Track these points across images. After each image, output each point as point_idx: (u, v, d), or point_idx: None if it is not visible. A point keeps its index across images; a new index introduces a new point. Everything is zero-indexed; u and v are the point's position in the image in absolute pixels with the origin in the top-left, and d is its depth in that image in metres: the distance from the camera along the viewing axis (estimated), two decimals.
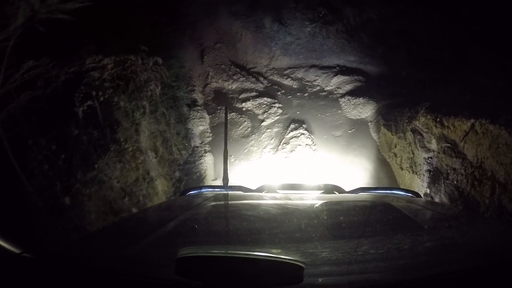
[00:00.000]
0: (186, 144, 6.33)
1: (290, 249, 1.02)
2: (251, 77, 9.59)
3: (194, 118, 7.58)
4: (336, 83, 8.93)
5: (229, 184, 2.80)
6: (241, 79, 9.57)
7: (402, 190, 2.29)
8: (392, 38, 9.55)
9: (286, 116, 8.18)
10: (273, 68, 9.83)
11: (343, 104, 8.21)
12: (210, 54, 11.23)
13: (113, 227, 1.73)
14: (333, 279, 0.88)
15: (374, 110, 7.69)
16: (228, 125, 7.74)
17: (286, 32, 10.02)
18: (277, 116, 8.22)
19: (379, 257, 1.00)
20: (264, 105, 8.56)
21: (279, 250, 0.86)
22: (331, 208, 1.50)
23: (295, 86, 9.39)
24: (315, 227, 1.24)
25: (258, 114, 8.35)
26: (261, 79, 9.64)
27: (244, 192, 2.16)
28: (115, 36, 6.99)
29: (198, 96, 9.06)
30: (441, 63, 8.14)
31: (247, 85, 9.36)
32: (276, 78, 9.72)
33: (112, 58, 5.30)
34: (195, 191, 2.16)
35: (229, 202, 1.88)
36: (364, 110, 7.81)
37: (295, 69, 9.67)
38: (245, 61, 10.42)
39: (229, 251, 0.82)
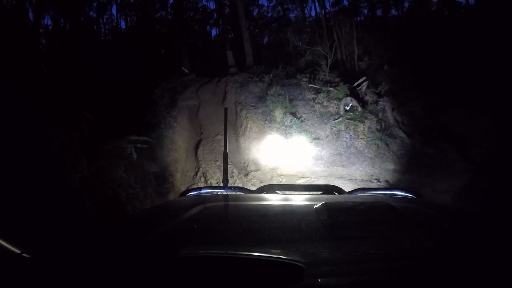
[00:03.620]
0: None
1: (290, 250, 0.93)
2: (250, 184, 6.79)
3: None
4: None
5: (229, 185, 2.28)
6: (236, 184, 6.80)
7: (402, 190, 1.99)
8: (440, 138, 6.86)
9: None
10: (281, 174, 6.91)
11: None
12: (207, 146, 8.85)
13: (113, 227, 1.42)
14: (333, 279, 0.81)
15: None
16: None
17: (301, 129, 7.49)
18: None
19: (379, 258, 0.93)
20: None
21: (279, 251, 0.87)
22: (331, 209, 1.28)
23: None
24: (315, 228, 1.14)
25: None
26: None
27: (244, 193, 2.06)
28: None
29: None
30: None
31: None
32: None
33: None
34: (195, 192, 2.02)
35: (229, 203, 1.69)
36: None
37: (313, 179, 6.58)
38: (246, 160, 7.79)
39: (229, 251, 0.80)
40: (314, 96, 8.14)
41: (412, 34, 11.40)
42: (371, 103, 7.39)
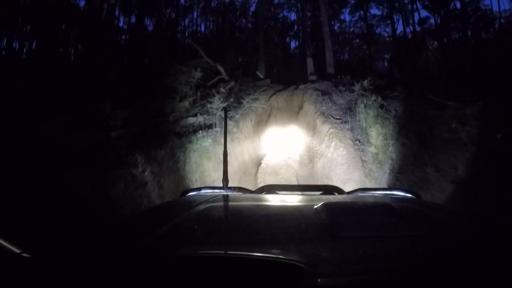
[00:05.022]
0: None
1: (290, 250, 0.90)
2: None
3: None
4: None
5: (229, 185, 2.20)
6: None
7: (401, 190, 1.96)
8: None
9: None
10: None
11: None
12: (273, 163, 6.63)
13: (113, 227, 1.38)
14: (333, 279, 0.79)
15: None
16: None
17: (420, 162, 4.72)
18: None
19: (379, 257, 0.90)
20: None
21: (279, 251, 0.84)
22: (331, 209, 1.24)
23: None
24: (315, 228, 1.10)
25: None
26: None
27: (244, 193, 2.01)
28: None
29: None
30: None
31: None
32: None
33: None
34: (195, 192, 1.96)
35: (229, 203, 1.64)
36: None
37: None
38: None
39: (228, 252, 0.79)
40: (434, 113, 5.35)
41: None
42: None
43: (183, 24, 22.36)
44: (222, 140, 6.32)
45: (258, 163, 6.67)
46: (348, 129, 6.10)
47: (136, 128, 4.81)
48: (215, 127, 5.84)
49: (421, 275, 0.77)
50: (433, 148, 4.79)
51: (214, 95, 7.43)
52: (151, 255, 0.90)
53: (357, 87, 7.85)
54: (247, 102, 7.00)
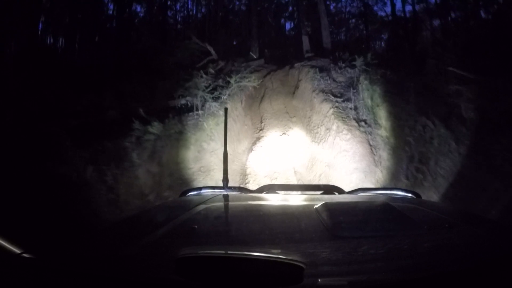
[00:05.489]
0: None
1: (290, 250, 0.88)
2: None
3: None
4: None
5: (229, 185, 2.13)
6: None
7: (402, 190, 1.92)
8: None
9: None
10: None
11: None
12: (266, 149, 5.74)
13: (113, 227, 1.41)
14: (333, 279, 0.77)
15: None
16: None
17: (444, 147, 3.77)
18: None
19: (379, 257, 0.88)
20: None
21: (279, 251, 0.84)
22: (331, 209, 1.22)
23: None
24: (315, 228, 1.09)
25: None
26: None
27: (244, 193, 1.98)
28: None
29: None
30: None
31: None
32: None
33: None
34: (195, 192, 1.93)
35: (229, 203, 1.63)
36: None
37: None
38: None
39: (229, 252, 0.77)
40: (455, 89, 4.40)
41: None
42: None
43: (174, 8, 21.07)
44: (204, 125, 5.41)
45: (249, 149, 5.76)
46: (351, 109, 5.16)
47: (100, 116, 3.88)
48: (197, 110, 4.88)
49: (421, 275, 0.74)
50: (458, 130, 3.87)
51: (201, 76, 6.46)
52: (151, 255, 0.87)
53: (359, 62, 6.84)
54: (235, 81, 6.00)
